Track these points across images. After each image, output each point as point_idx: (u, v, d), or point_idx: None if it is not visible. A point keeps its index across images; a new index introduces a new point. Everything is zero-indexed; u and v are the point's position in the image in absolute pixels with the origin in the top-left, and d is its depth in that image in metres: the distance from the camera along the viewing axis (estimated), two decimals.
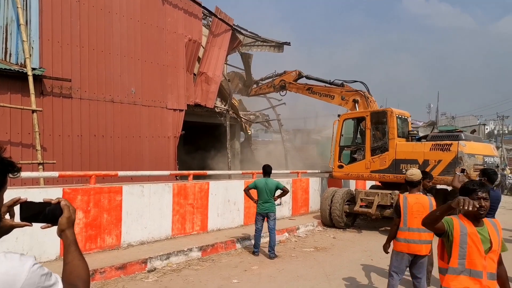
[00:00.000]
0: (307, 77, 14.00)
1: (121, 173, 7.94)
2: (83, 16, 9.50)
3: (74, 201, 6.31)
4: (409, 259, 4.54)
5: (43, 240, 5.90)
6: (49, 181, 8.12)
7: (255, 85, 16.22)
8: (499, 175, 8.93)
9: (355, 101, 11.96)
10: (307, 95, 13.65)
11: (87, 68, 9.57)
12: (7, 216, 1.45)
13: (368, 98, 11.74)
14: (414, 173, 4.64)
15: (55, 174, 7.02)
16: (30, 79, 8.14)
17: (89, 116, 9.59)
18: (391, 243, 4.75)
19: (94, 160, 9.60)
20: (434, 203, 4.55)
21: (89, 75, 9.61)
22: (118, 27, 10.28)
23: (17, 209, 1.44)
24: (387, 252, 4.88)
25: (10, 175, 1.32)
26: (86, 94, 9.54)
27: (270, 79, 15.22)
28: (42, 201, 1.45)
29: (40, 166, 8.16)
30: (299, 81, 14.24)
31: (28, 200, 1.44)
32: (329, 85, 13.09)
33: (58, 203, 1.44)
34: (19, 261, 1.15)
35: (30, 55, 8.35)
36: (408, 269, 4.67)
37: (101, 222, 6.80)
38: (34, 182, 7.98)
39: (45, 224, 1.45)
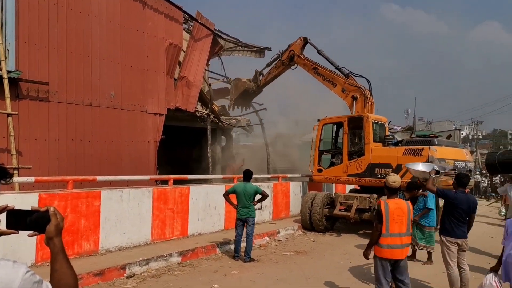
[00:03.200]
0: (319, 52, 12.93)
1: (99, 178, 7.83)
2: (61, 19, 9.36)
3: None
4: (391, 263, 4.60)
5: (17, 247, 5.77)
6: (24, 186, 7.93)
7: (261, 76, 15.14)
8: (472, 179, 9.22)
9: (354, 98, 11.49)
10: (311, 74, 12.79)
11: (65, 71, 9.42)
12: None
13: (367, 98, 11.34)
14: (396, 180, 4.68)
15: (31, 179, 6.88)
16: (6, 82, 7.97)
17: (66, 120, 9.43)
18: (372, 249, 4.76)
19: (72, 165, 9.43)
20: (411, 207, 4.67)
21: (67, 79, 9.46)
22: (98, 30, 10.17)
23: (3, 216, 1.43)
24: (368, 259, 4.89)
25: (3, 181, 1.32)
26: (64, 97, 9.38)
27: (277, 60, 14.19)
28: (30, 208, 1.45)
29: (15, 171, 7.97)
30: (309, 55, 13.24)
31: (15, 207, 1.44)
32: (335, 71, 12.32)
33: (46, 210, 1.44)
34: (13, 268, 1.16)
35: (6, 58, 8.17)
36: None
37: (79, 228, 6.69)
38: (9, 187, 7.76)
39: (32, 232, 1.45)
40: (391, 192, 4.70)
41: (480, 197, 23.96)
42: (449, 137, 13.27)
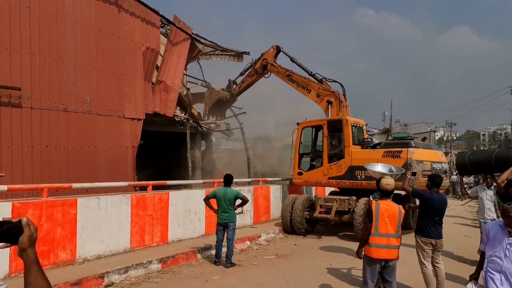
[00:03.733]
0: (292, 60, 13.17)
1: (75, 185, 7.64)
2: (34, 23, 9.11)
3: (24, 216, 5.98)
4: (381, 265, 4.64)
5: None
6: None
7: (234, 85, 15.34)
8: (444, 180, 9.43)
9: (329, 102, 11.70)
10: (285, 81, 12.96)
11: (38, 76, 9.17)
12: None
13: (342, 102, 11.55)
14: (389, 183, 4.76)
15: (4, 187, 6.64)
16: None
17: (40, 126, 9.17)
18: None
19: (47, 172, 9.16)
20: (403, 212, 4.73)
21: (40, 84, 9.21)
22: (72, 34, 9.95)
23: None
24: (360, 257, 4.90)
25: None
26: (37, 103, 9.12)
27: (250, 68, 14.41)
28: (1, 219, 1.39)
29: None
30: (282, 63, 13.45)
31: None
32: (308, 77, 12.52)
33: (19, 221, 1.39)
34: None
35: None
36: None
37: (54, 237, 6.50)
38: None
39: (4, 243, 1.39)
40: (384, 194, 4.81)
41: (455, 197, 24.53)
42: (424, 139, 13.60)
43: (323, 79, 12.25)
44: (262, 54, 13.82)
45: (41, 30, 9.26)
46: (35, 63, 9.13)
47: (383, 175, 6.95)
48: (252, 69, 14.27)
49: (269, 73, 13.69)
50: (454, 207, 17.95)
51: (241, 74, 15.01)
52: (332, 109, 11.60)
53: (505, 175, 6.46)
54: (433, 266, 5.67)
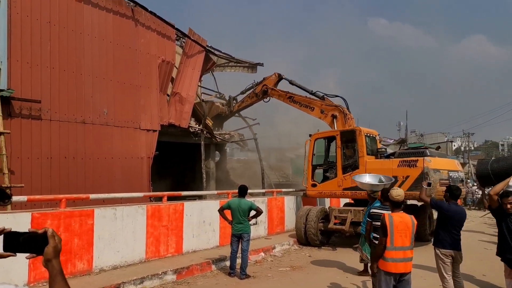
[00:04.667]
0: (291, 83, 13.68)
1: (92, 196, 7.76)
2: (54, 37, 9.40)
3: (43, 226, 6.10)
4: (395, 278, 4.53)
5: (10, 267, 5.66)
6: (17, 206, 7.83)
7: (234, 102, 15.90)
8: (463, 190, 9.24)
9: (333, 116, 11.87)
10: (287, 103, 13.32)
11: (57, 89, 9.41)
12: None
13: (346, 114, 11.74)
14: (400, 193, 4.67)
15: (24, 198, 6.79)
16: None
17: (59, 137, 9.38)
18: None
19: (65, 183, 9.34)
20: (415, 222, 4.65)
21: (59, 96, 9.45)
22: (90, 48, 10.22)
23: (0, 239, 1.42)
24: (375, 272, 4.76)
25: (1, 203, 1.32)
26: (56, 115, 9.35)
27: (251, 90, 14.84)
28: (28, 231, 1.44)
29: (8, 190, 7.88)
30: (282, 87, 13.93)
31: (12, 230, 1.43)
32: (310, 96, 12.87)
33: (44, 232, 1.44)
34: None
35: None
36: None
37: (72, 247, 6.60)
38: (0, 207, 7.67)
39: (30, 254, 1.44)
40: (395, 205, 4.69)
41: (473, 208, 23.98)
42: (438, 148, 13.45)
43: (325, 96, 12.65)
44: (264, 79, 14.46)
45: (60, 45, 9.54)
46: (54, 77, 9.38)
47: (372, 186, 6.87)
48: (252, 91, 14.80)
49: (268, 98, 14.29)
50: (472, 218, 17.51)
51: (242, 92, 15.76)
52: (338, 123, 11.82)
53: (500, 186, 5.51)
54: (453, 279, 5.55)
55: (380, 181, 6.87)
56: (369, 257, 6.77)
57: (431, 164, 9.34)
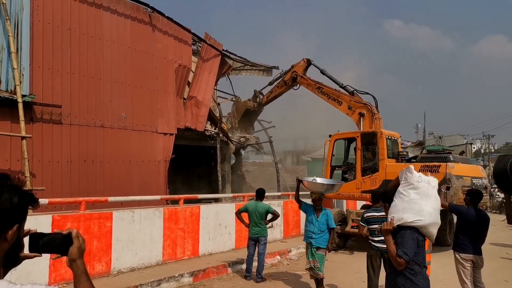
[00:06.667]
0: (322, 72, 13.09)
1: (111, 198, 7.90)
2: (74, 43, 9.62)
3: (63, 228, 6.24)
4: None
5: (31, 268, 5.80)
6: (38, 208, 8.01)
7: (261, 95, 15.53)
8: (484, 196, 9.03)
9: (361, 114, 11.47)
10: (315, 93, 12.84)
11: (77, 94, 9.62)
12: None
13: (374, 114, 11.33)
14: None
15: (45, 201, 6.94)
16: (20, 106, 8.15)
17: (79, 141, 9.58)
18: None
19: (84, 186, 9.52)
20: None
21: (79, 101, 9.65)
22: (109, 53, 10.41)
23: (26, 240, 1.47)
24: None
25: (30, 207, 1.37)
26: (76, 119, 9.55)
27: (279, 79, 14.53)
28: (52, 232, 1.49)
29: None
30: (312, 75, 13.40)
31: (37, 231, 1.48)
32: (339, 89, 12.37)
33: (69, 233, 1.48)
34: None
35: (21, 82, 8.38)
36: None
37: (91, 249, 6.71)
38: None
39: (55, 254, 1.49)
40: None
41: (493, 211, 23.39)
42: (462, 153, 13.11)
43: (355, 91, 12.06)
44: (292, 66, 13.87)
45: (81, 51, 9.75)
46: (75, 82, 9.59)
47: (316, 187, 6.77)
48: (281, 80, 14.33)
49: (298, 85, 13.72)
50: (493, 222, 17.07)
51: (270, 84, 15.17)
52: (365, 122, 11.39)
53: None
54: (474, 284, 5.43)
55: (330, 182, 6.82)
56: (318, 265, 6.56)
57: (454, 170, 9.10)
